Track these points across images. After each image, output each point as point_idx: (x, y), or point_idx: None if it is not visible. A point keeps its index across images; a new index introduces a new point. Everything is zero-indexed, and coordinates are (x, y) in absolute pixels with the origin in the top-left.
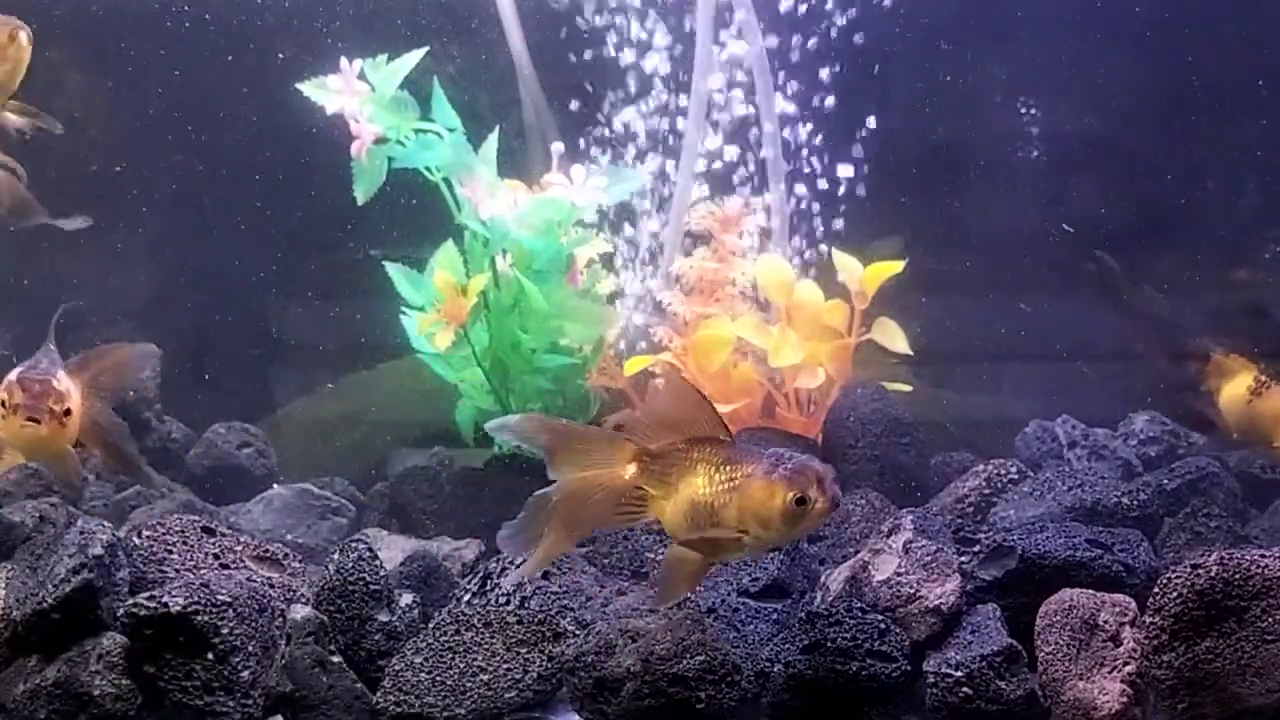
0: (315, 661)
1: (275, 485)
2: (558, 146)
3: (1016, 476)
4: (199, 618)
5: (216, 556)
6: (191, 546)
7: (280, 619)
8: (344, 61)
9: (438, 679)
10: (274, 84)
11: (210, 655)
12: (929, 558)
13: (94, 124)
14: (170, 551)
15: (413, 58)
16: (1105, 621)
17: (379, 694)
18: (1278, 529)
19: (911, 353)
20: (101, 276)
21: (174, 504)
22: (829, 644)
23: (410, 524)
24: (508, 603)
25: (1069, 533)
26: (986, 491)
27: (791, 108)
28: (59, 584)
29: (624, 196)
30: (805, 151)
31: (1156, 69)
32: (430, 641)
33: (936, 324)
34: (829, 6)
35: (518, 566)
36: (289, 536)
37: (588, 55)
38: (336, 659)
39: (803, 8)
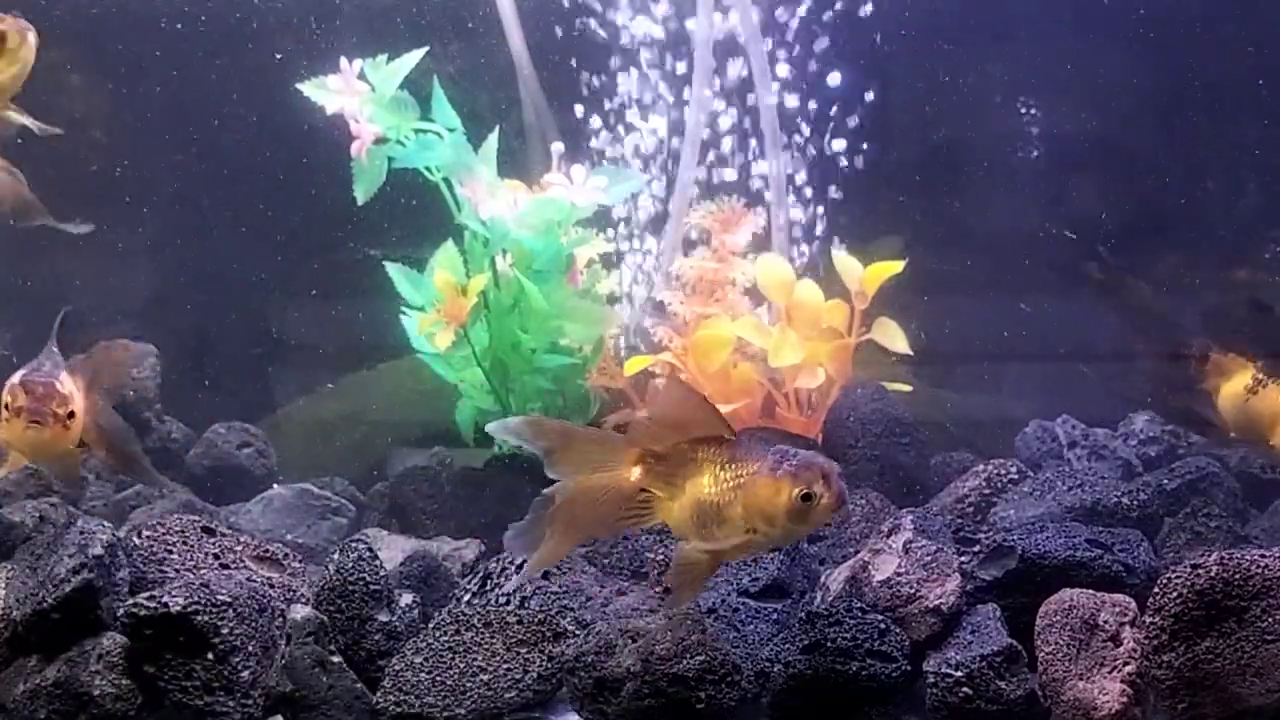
0: (315, 661)
1: (275, 485)
2: (558, 146)
3: (1016, 476)
4: (199, 618)
5: (216, 556)
6: (191, 546)
7: (280, 619)
8: (344, 61)
9: (438, 679)
10: (274, 84)
11: (210, 655)
12: (929, 558)
13: (94, 124)
14: (170, 551)
15: (413, 58)
16: (1105, 621)
17: (379, 694)
18: (1278, 529)
19: (911, 353)
20: (102, 276)
21: (174, 504)
22: (829, 644)
23: (410, 524)
24: (508, 603)
25: (1069, 533)
26: (986, 491)
27: (791, 98)
28: (59, 584)
29: (624, 197)
30: (805, 152)
31: (1156, 69)
32: (430, 641)
33: (936, 324)
34: (829, 6)
35: (518, 568)
36: (289, 536)
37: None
38: (336, 659)
39: (803, 9)
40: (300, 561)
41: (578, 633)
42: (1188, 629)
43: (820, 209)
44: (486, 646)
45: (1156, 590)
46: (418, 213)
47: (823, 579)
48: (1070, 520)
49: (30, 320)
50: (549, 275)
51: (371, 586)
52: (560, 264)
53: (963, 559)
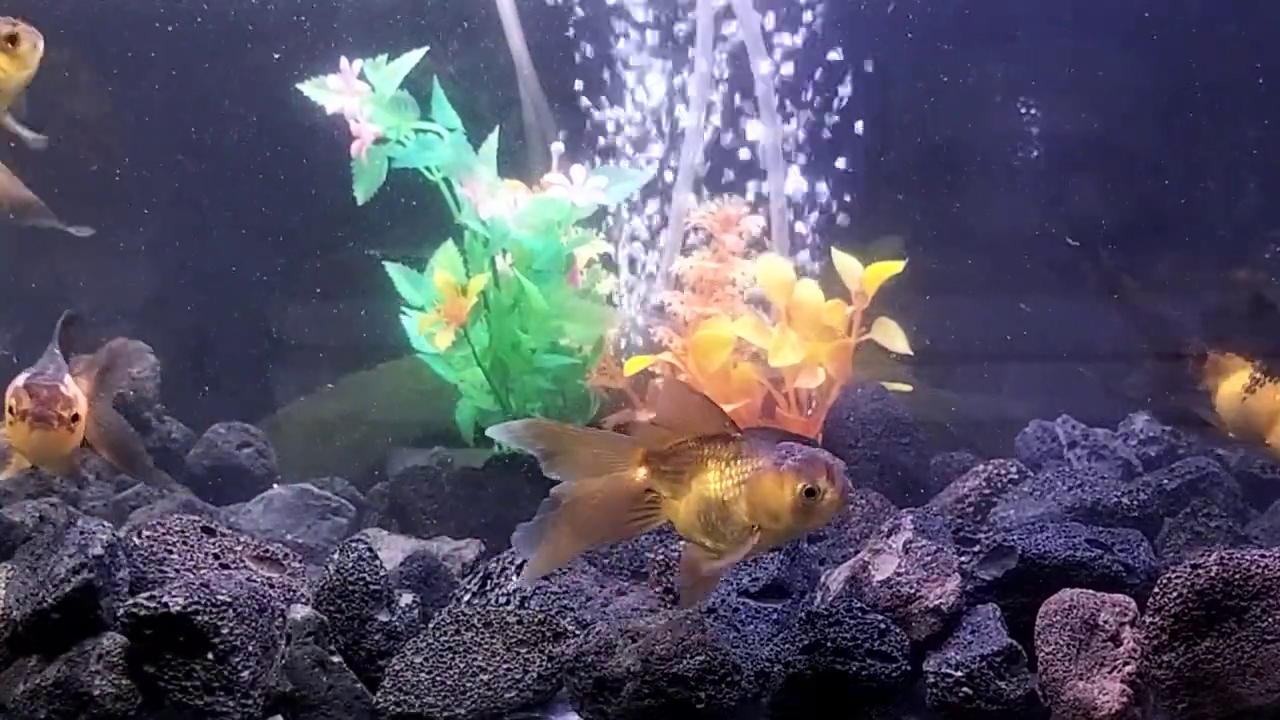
0: (315, 661)
1: (275, 485)
2: (558, 146)
3: (1016, 476)
4: (199, 618)
5: (216, 556)
6: (191, 546)
7: (280, 619)
8: (344, 61)
9: (438, 679)
10: (274, 84)
11: (210, 655)
12: (929, 558)
13: (94, 124)
14: (170, 551)
15: (413, 58)
16: (1105, 621)
17: (379, 694)
18: (1278, 529)
19: (911, 353)
20: (102, 276)
21: (174, 504)
22: (829, 644)
23: (410, 524)
24: (508, 602)
25: (1069, 533)
26: (986, 491)
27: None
28: (59, 584)
29: (624, 197)
30: (804, 151)
31: (1156, 69)
32: (430, 641)
33: (936, 324)
34: (829, 6)
35: (518, 568)
36: (289, 536)
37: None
38: (336, 659)
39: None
40: (300, 561)
41: (578, 633)
42: (1188, 629)
43: (820, 210)
44: (486, 646)
45: (1156, 590)
46: (418, 213)
47: (823, 579)
48: (1070, 520)
49: (30, 320)
50: (549, 275)
51: (371, 586)
52: (560, 264)
53: (963, 559)
